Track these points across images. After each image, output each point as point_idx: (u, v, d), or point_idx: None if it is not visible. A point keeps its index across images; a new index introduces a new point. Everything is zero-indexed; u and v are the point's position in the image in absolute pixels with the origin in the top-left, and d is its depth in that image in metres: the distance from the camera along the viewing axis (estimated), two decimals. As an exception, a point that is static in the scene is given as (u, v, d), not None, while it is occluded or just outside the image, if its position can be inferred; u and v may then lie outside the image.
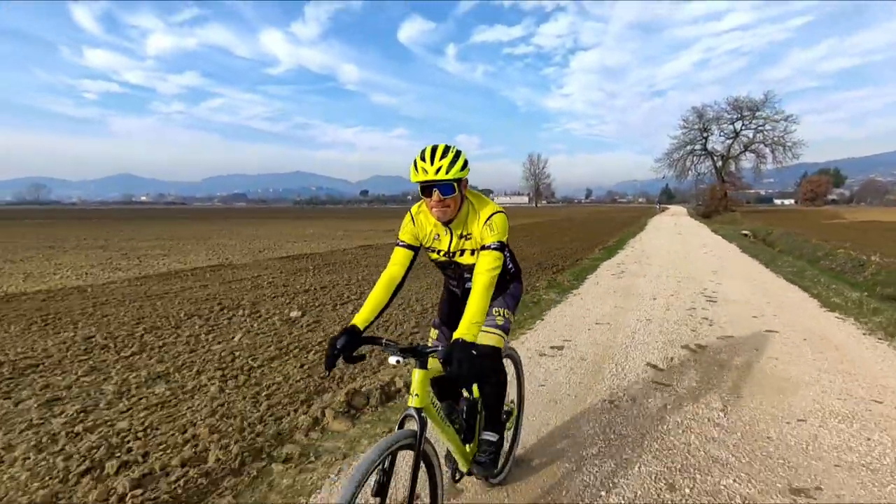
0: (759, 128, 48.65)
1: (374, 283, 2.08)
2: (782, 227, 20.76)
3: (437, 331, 2.44)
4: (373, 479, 1.65)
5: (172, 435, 2.96)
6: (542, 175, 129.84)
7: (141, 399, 3.50)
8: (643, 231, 23.44)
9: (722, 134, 50.92)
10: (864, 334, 5.19)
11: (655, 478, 2.55)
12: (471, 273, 2.13)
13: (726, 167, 50.29)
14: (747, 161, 50.02)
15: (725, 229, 24.42)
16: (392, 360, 1.80)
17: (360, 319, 1.96)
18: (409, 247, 2.19)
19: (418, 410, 1.78)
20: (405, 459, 2.26)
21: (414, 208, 2.19)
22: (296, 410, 3.31)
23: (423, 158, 1.96)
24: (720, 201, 46.30)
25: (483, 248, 2.02)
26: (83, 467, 2.59)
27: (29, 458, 2.72)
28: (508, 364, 2.66)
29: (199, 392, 3.63)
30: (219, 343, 4.84)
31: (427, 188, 1.97)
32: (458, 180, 1.98)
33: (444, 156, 1.94)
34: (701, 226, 29.35)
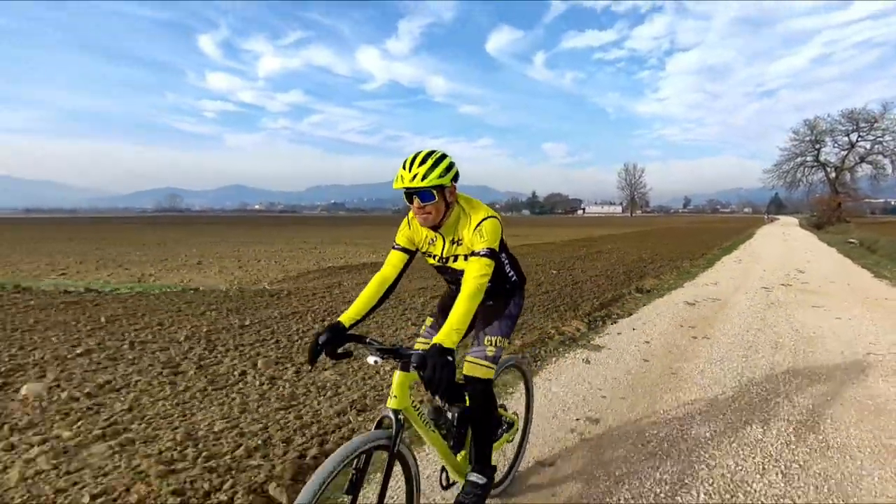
0: (878, 139, 48.20)
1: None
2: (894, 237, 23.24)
3: (431, 319, 2.46)
4: (343, 477, 1.67)
5: (585, 293, 8.67)
6: (639, 184, 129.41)
7: (553, 287, 9.27)
8: (751, 239, 26.87)
9: (836, 145, 50.87)
10: (887, 285, 9.86)
11: (771, 318, 7.79)
12: None
13: (840, 178, 50.15)
14: (864, 172, 49.58)
15: (833, 238, 27.03)
16: (370, 359, 1.85)
17: (346, 317, 2.01)
18: (403, 250, 2.22)
19: (395, 412, 1.79)
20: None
21: (411, 213, 2.14)
22: (618, 291, 8.90)
23: (403, 166, 1.98)
24: (833, 212, 46.58)
25: (472, 254, 2.01)
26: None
27: (548, 294, 8.53)
28: (517, 375, 2.99)
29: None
30: (546, 277, 10.62)
31: (409, 195, 2.00)
32: (439, 187, 1.98)
33: (422, 163, 1.96)
34: (809, 235, 31.73)
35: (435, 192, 1.98)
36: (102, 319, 6.39)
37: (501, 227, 2.09)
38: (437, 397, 2.04)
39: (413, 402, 1.91)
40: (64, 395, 3.77)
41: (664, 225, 53.72)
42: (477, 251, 1.99)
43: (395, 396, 1.81)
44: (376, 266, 13.04)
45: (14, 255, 16.55)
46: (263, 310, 7.15)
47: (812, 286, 9.55)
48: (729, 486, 2.63)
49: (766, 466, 2.82)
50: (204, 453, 2.90)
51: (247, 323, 6.27)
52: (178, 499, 2.44)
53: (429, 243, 2.23)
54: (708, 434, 3.23)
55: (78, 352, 4.90)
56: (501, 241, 2.15)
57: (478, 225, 2.04)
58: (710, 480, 2.67)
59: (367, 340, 1.88)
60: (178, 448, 2.96)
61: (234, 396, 3.81)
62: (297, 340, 5.45)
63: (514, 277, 2.40)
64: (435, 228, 2.12)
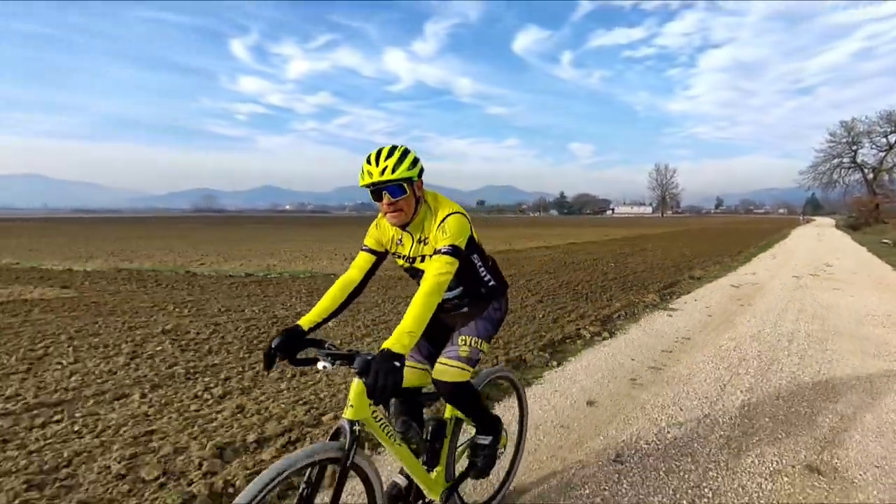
0: (919, 140, 48.42)
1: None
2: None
3: None
4: (278, 488, 1.59)
5: (648, 279, 10.96)
6: (670, 185, 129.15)
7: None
8: (786, 239, 28.37)
9: (874, 147, 51.18)
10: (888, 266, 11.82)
11: (799, 295, 9.94)
12: None
13: (878, 179, 50.45)
14: (904, 173, 49.80)
15: (867, 239, 28.28)
16: (319, 365, 1.75)
17: (305, 321, 1.91)
18: (371, 251, 2.13)
19: (351, 423, 1.68)
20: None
21: (381, 214, 2.05)
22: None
23: (368, 161, 1.89)
24: (871, 213, 47.04)
25: (434, 251, 1.90)
26: (637, 281, 10.63)
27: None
28: (510, 393, 3.17)
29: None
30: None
31: (377, 192, 1.90)
32: (408, 180, 1.90)
33: (389, 156, 1.88)
34: (844, 236, 32.87)
35: (406, 185, 1.90)
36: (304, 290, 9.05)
37: (469, 224, 2.00)
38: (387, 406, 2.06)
39: (375, 412, 1.79)
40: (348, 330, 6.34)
41: (697, 225, 54.77)
42: (439, 248, 1.89)
43: (352, 406, 1.70)
44: None
45: (132, 250, 19.63)
46: (392, 289, 9.69)
47: (836, 276, 11.58)
48: (766, 362, 4.94)
49: (791, 358, 5.12)
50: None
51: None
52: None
53: (396, 243, 2.11)
54: (756, 346, 5.54)
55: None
56: (473, 241, 2.07)
57: (442, 221, 1.94)
58: (757, 363, 4.98)
59: (326, 345, 1.79)
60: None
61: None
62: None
63: (492, 282, 2.23)
64: (402, 227, 2.02)
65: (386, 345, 1.63)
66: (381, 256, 2.15)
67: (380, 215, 2.07)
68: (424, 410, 2.31)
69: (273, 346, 1.79)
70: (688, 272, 12.07)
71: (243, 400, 3.83)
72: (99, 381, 4.25)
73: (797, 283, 10.47)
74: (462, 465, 2.36)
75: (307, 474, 1.62)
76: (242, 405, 3.72)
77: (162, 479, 2.69)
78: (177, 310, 7.37)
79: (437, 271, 1.83)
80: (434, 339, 2.28)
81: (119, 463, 2.84)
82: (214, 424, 3.42)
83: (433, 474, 2.13)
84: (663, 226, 52.68)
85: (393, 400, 2.15)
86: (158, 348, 5.27)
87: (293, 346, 1.83)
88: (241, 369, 4.60)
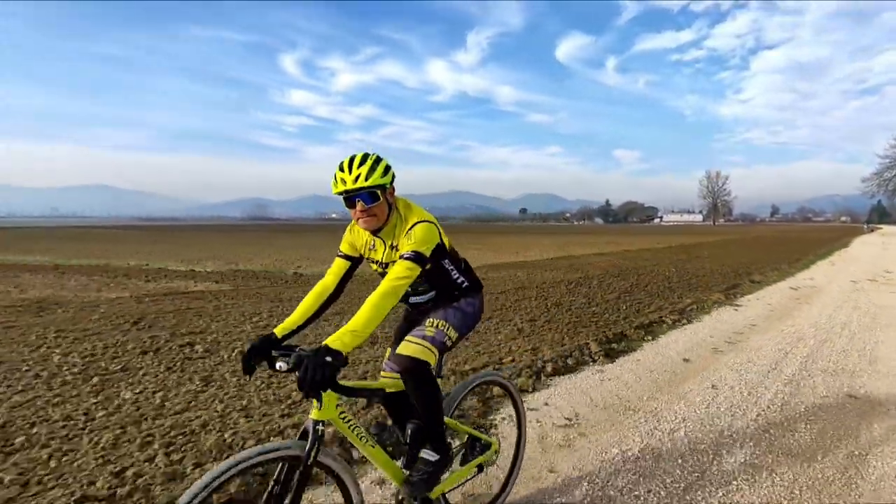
0: None
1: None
2: None
3: (391, 349, 2.35)
4: (239, 483, 1.78)
5: (710, 281, 12.15)
6: (722, 192, 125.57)
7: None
8: (847, 247, 28.17)
9: (945, 152, 48.98)
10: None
11: (855, 296, 10.90)
12: (412, 287, 2.14)
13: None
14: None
15: (934, 247, 27.77)
16: (278, 364, 1.78)
17: (279, 328, 1.97)
18: (346, 257, 2.18)
19: (315, 422, 1.73)
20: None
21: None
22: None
23: (341, 169, 1.94)
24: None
25: (399, 256, 1.95)
26: (701, 283, 11.84)
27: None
28: (506, 400, 3.41)
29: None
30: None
31: (349, 199, 1.96)
32: (381, 187, 1.95)
33: (362, 163, 1.93)
34: (910, 244, 32.12)
35: (379, 192, 1.95)
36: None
37: (438, 232, 2.05)
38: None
39: (344, 413, 1.86)
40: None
41: (751, 234, 53.83)
42: (402, 254, 1.94)
43: (317, 407, 1.75)
44: (518, 265, 17.04)
45: (230, 254, 22.19)
46: (502, 282, 11.30)
47: (894, 281, 12.34)
48: (821, 340, 6.21)
49: (842, 339, 6.38)
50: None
51: (504, 288, 10.41)
52: (596, 334, 6.44)
53: (370, 249, 2.15)
54: (813, 331, 6.80)
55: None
56: (443, 248, 2.12)
57: (409, 228, 1.98)
58: (813, 341, 6.25)
59: (297, 350, 1.79)
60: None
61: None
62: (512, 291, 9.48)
63: (465, 283, 2.29)
64: (374, 233, 2.07)
65: (326, 341, 1.68)
66: (355, 262, 2.21)
67: (353, 221, 2.10)
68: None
69: (247, 351, 1.88)
70: (747, 277, 13.10)
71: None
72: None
73: (854, 286, 11.38)
74: (454, 472, 2.35)
75: (277, 472, 1.69)
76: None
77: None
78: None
79: (396, 275, 1.89)
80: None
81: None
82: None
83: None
84: (715, 234, 52.13)
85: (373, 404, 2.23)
86: (324, 322, 7.11)
87: (266, 351, 1.88)
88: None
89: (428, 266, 2.04)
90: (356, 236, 2.19)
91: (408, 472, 2.12)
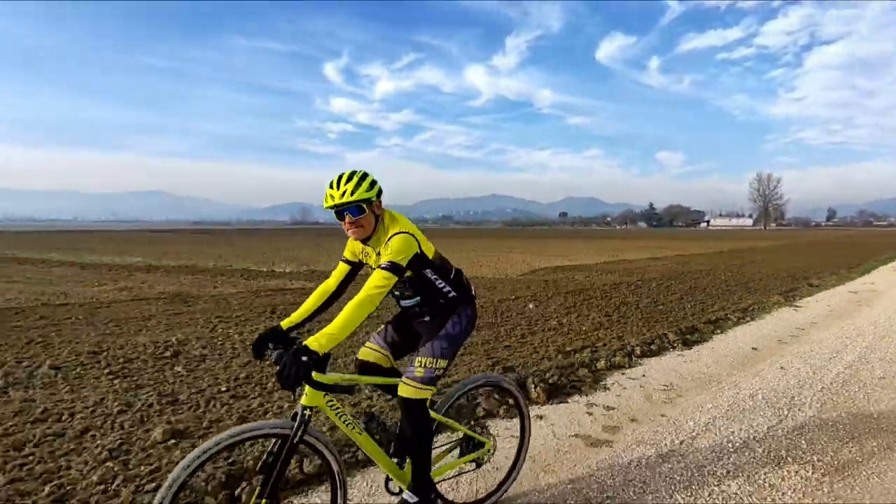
0: None
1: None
2: None
3: (383, 326, 2.67)
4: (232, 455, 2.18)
5: (768, 285, 12.66)
6: (773, 195, 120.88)
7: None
8: (911, 253, 27.41)
9: None
10: None
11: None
12: (399, 291, 2.39)
13: None
14: None
15: None
16: (266, 353, 2.17)
17: (286, 322, 2.29)
18: (347, 262, 2.44)
19: (303, 407, 2.01)
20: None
21: None
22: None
23: (331, 186, 2.18)
24: None
25: (378, 266, 2.15)
26: (759, 286, 12.41)
27: (741, 285, 12.69)
28: (511, 409, 3.73)
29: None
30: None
31: (339, 212, 2.18)
32: (367, 200, 2.17)
33: (349, 180, 2.16)
34: (982, 250, 30.70)
35: (364, 205, 2.17)
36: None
37: (417, 241, 2.23)
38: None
39: (331, 401, 2.12)
40: (549, 309, 9.02)
41: (806, 238, 52.10)
42: (380, 263, 2.13)
43: (306, 394, 2.02)
44: (574, 269, 17.83)
45: (296, 256, 23.93)
46: (564, 283, 12.24)
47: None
48: (879, 336, 6.88)
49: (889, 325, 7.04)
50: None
51: (568, 289, 11.36)
52: (669, 327, 7.36)
53: (364, 255, 2.39)
54: (872, 328, 7.46)
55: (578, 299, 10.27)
56: (422, 257, 2.28)
57: (388, 239, 2.17)
58: (871, 337, 6.93)
59: (298, 341, 2.03)
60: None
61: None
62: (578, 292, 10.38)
63: (452, 294, 2.42)
64: (365, 242, 2.30)
65: (305, 341, 1.90)
66: (355, 266, 2.44)
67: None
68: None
69: (255, 340, 2.20)
70: (804, 281, 13.50)
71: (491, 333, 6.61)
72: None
73: (916, 291, 11.67)
74: (446, 463, 2.64)
75: (271, 445, 1.98)
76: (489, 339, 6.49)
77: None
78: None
79: (373, 284, 2.07)
80: (400, 333, 2.60)
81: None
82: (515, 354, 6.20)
83: (406, 467, 2.38)
84: (767, 239, 50.75)
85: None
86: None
87: (272, 341, 2.21)
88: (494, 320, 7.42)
89: (409, 274, 2.26)
90: (354, 244, 2.42)
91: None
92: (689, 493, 2.88)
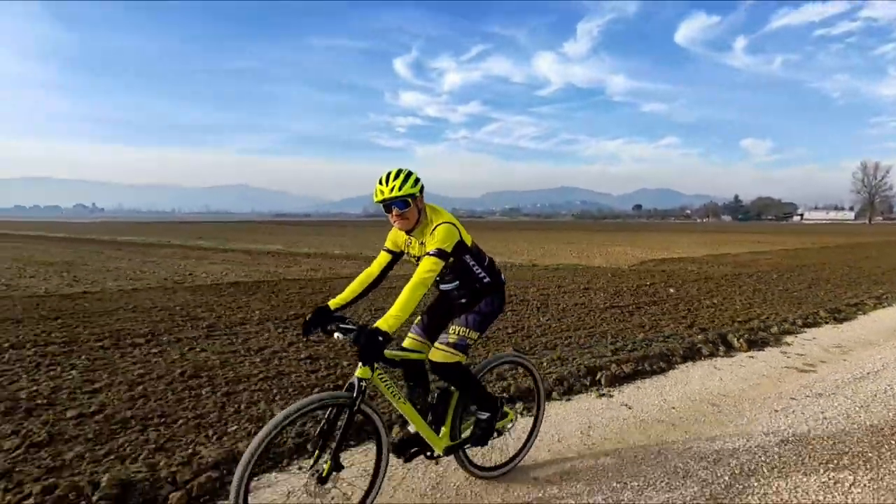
0: None
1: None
2: None
3: (419, 317, 2.93)
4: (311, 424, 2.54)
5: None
6: (881, 186, 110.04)
7: (864, 274, 13.88)
8: None
9: None
10: None
11: None
12: (440, 276, 2.63)
13: None
14: None
15: None
16: (335, 335, 2.40)
17: (333, 302, 2.57)
18: (389, 251, 2.72)
19: (359, 379, 2.29)
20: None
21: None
22: None
23: (380, 183, 2.45)
24: None
25: (425, 253, 2.43)
26: (885, 278, 12.96)
27: (866, 277, 13.28)
28: (524, 375, 4.12)
29: (879, 275, 13.81)
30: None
31: (387, 206, 2.46)
32: (411, 195, 2.44)
33: (395, 178, 2.43)
34: None
35: (409, 200, 2.44)
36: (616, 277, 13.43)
37: (458, 231, 2.52)
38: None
39: (381, 374, 2.40)
40: (691, 293, 10.44)
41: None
42: (428, 251, 2.41)
43: (362, 367, 2.29)
44: (686, 261, 18.68)
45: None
46: (683, 273, 13.48)
47: None
48: None
49: None
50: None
51: (693, 278, 12.63)
52: (813, 308, 8.63)
53: (406, 245, 2.66)
54: None
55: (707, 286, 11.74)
56: (464, 245, 2.58)
57: (434, 229, 2.46)
58: None
59: (346, 321, 2.35)
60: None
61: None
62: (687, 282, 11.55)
63: (487, 279, 2.73)
64: (409, 232, 2.58)
65: (377, 324, 2.21)
66: (396, 255, 2.72)
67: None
68: (432, 379, 2.81)
69: (307, 319, 2.46)
70: (934, 274, 13.75)
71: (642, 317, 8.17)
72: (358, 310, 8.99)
73: None
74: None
75: (326, 413, 2.26)
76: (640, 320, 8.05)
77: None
78: (576, 280, 12.29)
79: (424, 269, 2.35)
80: (435, 319, 2.84)
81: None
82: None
83: (441, 433, 2.69)
84: (875, 233, 47.45)
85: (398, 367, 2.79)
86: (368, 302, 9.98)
87: (323, 320, 2.48)
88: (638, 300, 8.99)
89: (451, 260, 2.51)
90: (397, 235, 2.69)
91: (455, 435, 2.75)
92: (886, 395, 4.43)
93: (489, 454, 3.05)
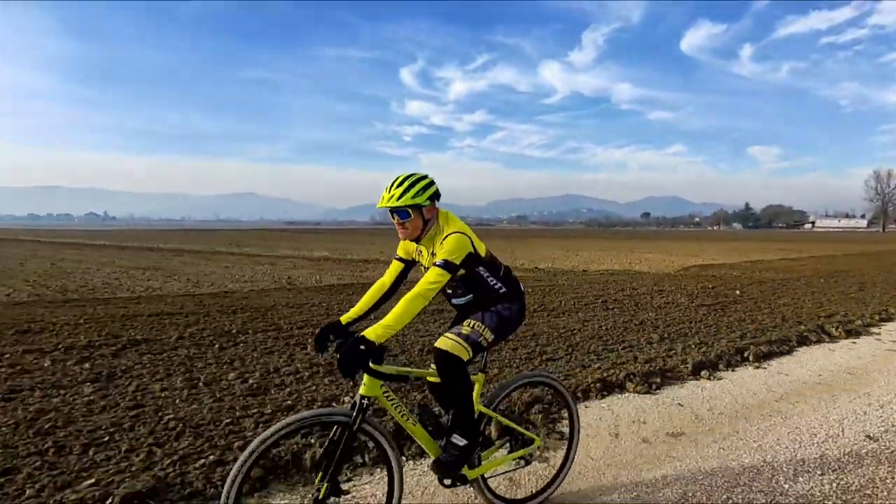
0: None
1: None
2: None
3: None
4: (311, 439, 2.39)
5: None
6: (894, 194, 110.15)
7: None
8: None
9: None
10: None
11: None
12: (451, 290, 2.51)
13: None
14: None
15: None
16: (327, 345, 2.30)
17: (345, 317, 2.43)
18: (401, 260, 2.59)
19: (361, 397, 2.15)
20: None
21: None
22: None
23: (387, 189, 2.32)
24: None
25: (432, 264, 2.27)
26: None
27: None
28: (556, 398, 3.64)
29: None
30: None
31: (392, 212, 2.34)
32: (414, 206, 2.30)
33: (400, 185, 2.29)
34: None
35: (410, 210, 2.30)
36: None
37: (471, 241, 2.34)
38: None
39: (387, 392, 2.25)
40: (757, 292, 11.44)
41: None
42: (435, 262, 2.25)
43: (365, 384, 2.15)
44: (725, 267, 19.47)
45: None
46: (731, 278, 14.43)
47: None
48: None
49: None
50: (862, 303, 10.08)
51: (746, 282, 13.58)
52: (879, 306, 9.62)
53: (417, 254, 2.53)
54: None
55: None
56: (476, 256, 2.38)
57: (444, 239, 2.31)
58: None
59: (356, 335, 2.10)
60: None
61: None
62: (724, 287, 12.53)
63: (503, 289, 2.53)
64: (417, 241, 2.43)
65: (364, 332, 2.05)
66: (408, 264, 2.61)
67: None
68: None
69: (317, 336, 2.37)
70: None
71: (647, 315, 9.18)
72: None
73: None
74: (496, 458, 2.66)
75: (332, 431, 2.11)
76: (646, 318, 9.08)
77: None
78: (616, 283, 13.30)
79: (427, 280, 2.21)
80: None
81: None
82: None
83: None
84: (886, 242, 47.98)
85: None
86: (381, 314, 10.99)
87: (333, 335, 2.37)
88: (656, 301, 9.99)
89: (462, 272, 2.36)
90: (407, 243, 2.56)
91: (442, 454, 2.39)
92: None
93: (516, 484, 2.87)
